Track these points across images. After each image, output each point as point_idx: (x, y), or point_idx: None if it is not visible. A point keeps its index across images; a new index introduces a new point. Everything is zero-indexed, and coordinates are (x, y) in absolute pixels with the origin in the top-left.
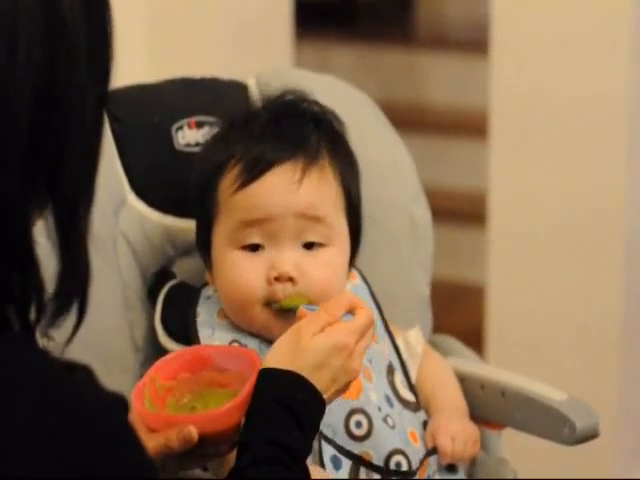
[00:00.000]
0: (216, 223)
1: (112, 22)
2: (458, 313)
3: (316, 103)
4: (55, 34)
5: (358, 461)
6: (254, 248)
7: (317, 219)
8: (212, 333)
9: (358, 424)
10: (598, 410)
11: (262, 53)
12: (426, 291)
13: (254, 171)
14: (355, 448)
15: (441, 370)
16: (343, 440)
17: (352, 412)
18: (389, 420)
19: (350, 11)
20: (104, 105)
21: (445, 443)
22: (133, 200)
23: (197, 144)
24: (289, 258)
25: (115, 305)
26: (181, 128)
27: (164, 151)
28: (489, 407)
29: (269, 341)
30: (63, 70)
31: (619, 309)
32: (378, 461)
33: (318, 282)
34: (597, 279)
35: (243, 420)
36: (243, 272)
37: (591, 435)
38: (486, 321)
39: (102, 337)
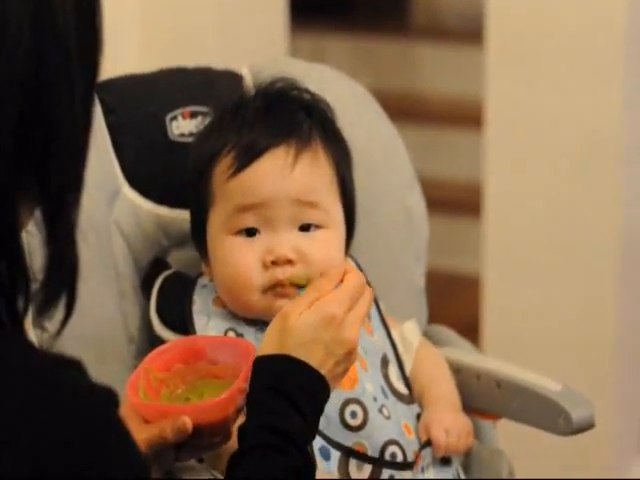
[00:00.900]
0: (211, 211)
1: (102, 14)
2: (454, 304)
3: (307, 91)
4: (44, 24)
5: (347, 453)
6: (250, 233)
7: (312, 204)
8: (207, 321)
9: (353, 414)
10: (593, 401)
11: (257, 43)
12: (421, 281)
13: (247, 157)
14: (350, 438)
15: (436, 363)
16: (338, 430)
17: (347, 402)
18: (384, 411)
19: (346, 1)
20: (93, 97)
21: (439, 435)
22: (127, 190)
23: (191, 134)
24: (286, 241)
25: (109, 295)
26: (175, 118)
27: (158, 141)
28: (484, 397)
29: (265, 330)
30: (52, 60)
31: (615, 300)
32: (373, 452)
33: (318, 262)
34: (593, 270)
35: (237, 411)
36: (240, 257)
37: (587, 426)
38: (482, 312)
39: (96, 327)
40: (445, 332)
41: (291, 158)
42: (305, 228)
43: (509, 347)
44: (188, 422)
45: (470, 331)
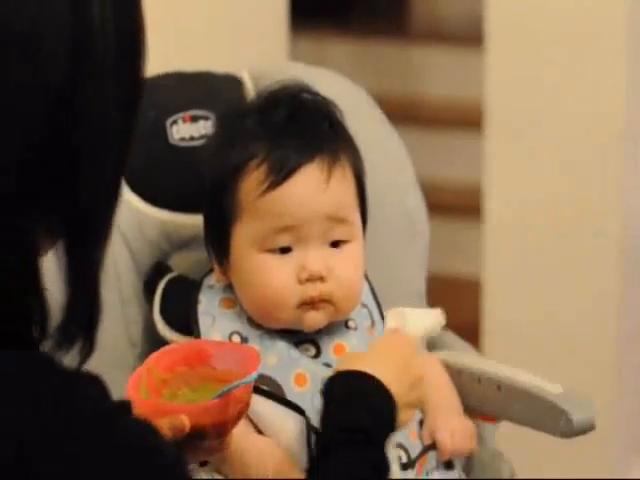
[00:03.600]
0: (237, 225)
1: (145, 38)
2: (454, 307)
3: (319, 94)
4: (84, 54)
5: None
6: (284, 251)
7: (342, 220)
8: (213, 322)
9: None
10: (594, 402)
11: (257, 46)
12: (422, 286)
13: (281, 173)
14: None
15: (435, 372)
16: None
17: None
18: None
19: (345, 4)
20: (130, 133)
21: (445, 439)
22: (128, 195)
23: (192, 138)
24: (319, 258)
25: (111, 300)
26: (175, 122)
27: (159, 145)
28: (485, 400)
29: (270, 334)
30: (88, 93)
31: (616, 302)
32: None
33: (346, 278)
34: (594, 273)
35: (237, 416)
36: (273, 275)
37: (588, 428)
38: (482, 315)
39: (98, 332)
40: (446, 335)
41: (325, 174)
42: (335, 244)
43: (510, 350)
44: (186, 420)
45: (470, 334)
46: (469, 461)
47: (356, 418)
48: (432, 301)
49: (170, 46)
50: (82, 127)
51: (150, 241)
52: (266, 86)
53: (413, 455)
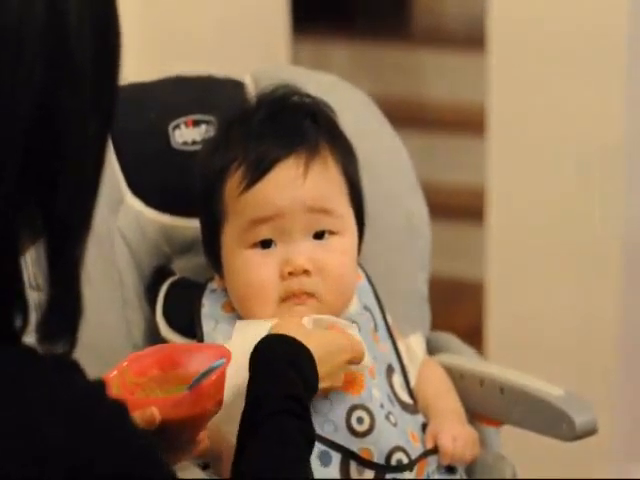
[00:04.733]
0: (224, 225)
1: (121, 51)
2: (457, 310)
3: (309, 96)
4: (60, 58)
5: (348, 455)
6: (266, 245)
7: (325, 211)
8: (215, 325)
9: (360, 420)
10: (596, 405)
11: (259, 50)
12: (424, 288)
13: (258, 171)
14: (355, 444)
15: (440, 378)
16: (344, 436)
17: (354, 408)
18: (391, 417)
19: (347, 7)
20: (107, 135)
21: (447, 443)
22: (130, 199)
23: (194, 142)
24: (302, 251)
25: (113, 303)
26: (178, 127)
27: (161, 150)
28: (488, 403)
29: None
30: (65, 95)
31: (618, 305)
32: (379, 458)
33: (333, 270)
34: (597, 275)
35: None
36: (256, 270)
37: (590, 431)
38: (485, 318)
39: (100, 335)
40: (448, 338)
41: (302, 168)
42: (319, 235)
43: (513, 353)
44: (156, 412)
45: (474, 337)
46: (472, 465)
47: (290, 386)
48: (435, 304)
49: (172, 50)
50: (61, 127)
51: (152, 245)
52: (264, 88)
53: (413, 456)
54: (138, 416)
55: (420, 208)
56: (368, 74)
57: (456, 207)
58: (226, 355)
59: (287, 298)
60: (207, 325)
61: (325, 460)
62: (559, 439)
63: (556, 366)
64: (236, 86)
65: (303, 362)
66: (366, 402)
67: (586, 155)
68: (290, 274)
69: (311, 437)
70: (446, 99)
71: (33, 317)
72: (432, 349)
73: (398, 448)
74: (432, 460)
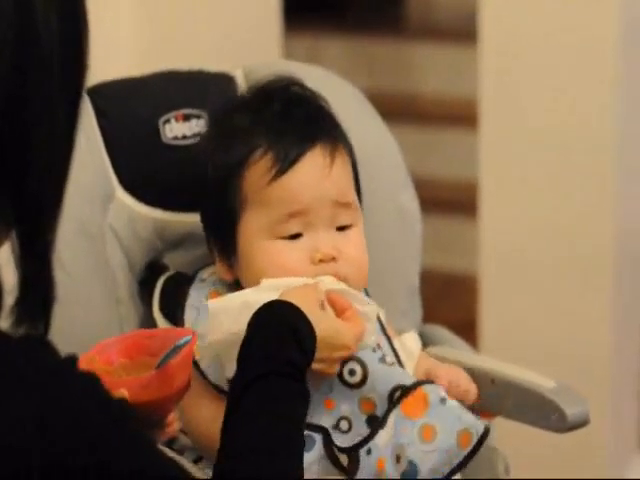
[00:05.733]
0: (243, 217)
1: (88, 33)
2: (450, 303)
3: (307, 88)
4: (27, 40)
5: (329, 439)
6: (295, 237)
7: (347, 205)
8: (197, 315)
9: (352, 372)
10: (590, 399)
11: (251, 45)
12: (416, 281)
13: (287, 160)
14: (354, 396)
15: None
16: (339, 390)
17: (344, 361)
18: (387, 359)
19: (341, 2)
20: (76, 120)
21: (441, 369)
22: (121, 194)
23: (184, 137)
24: (329, 241)
25: (104, 299)
26: (168, 121)
27: (151, 144)
28: (480, 396)
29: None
30: (33, 78)
31: (611, 299)
32: (381, 402)
33: (355, 260)
34: (589, 268)
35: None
36: (288, 258)
37: (581, 422)
38: (478, 311)
39: (92, 331)
40: (440, 331)
41: (328, 159)
42: (341, 228)
43: (506, 346)
44: (125, 393)
45: (467, 330)
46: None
47: (287, 351)
48: (428, 298)
49: (163, 45)
50: (29, 111)
51: (143, 240)
52: (256, 81)
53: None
54: None
55: (412, 202)
56: (361, 68)
57: (449, 201)
58: (189, 331)
59: None
60: (189, 315)
61: (308, 445)
62: (550, 430)
63: (549, 360)
64: (227, 80)
65: (304, 333)
66: (357, 353)
67: (578, 149)
68: (320, 261)
69: (307, 399)
70: (439, 93)
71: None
72: (424, 342)
73: (399, 387)
74: (431, 389)
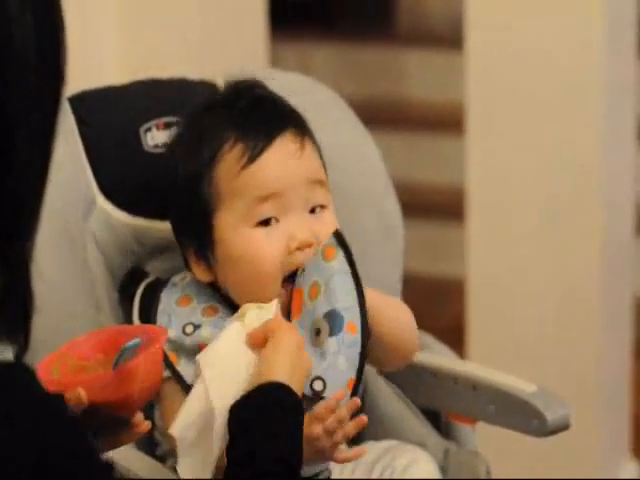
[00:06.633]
0: (219, 209)
1: (64, 32)
2: (438, 309)
3: (271, 91)
4: (1, 44)
5: None
6: (268, 222)
7: (321, 182)
8: (169, 320)
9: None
10: (580, 403)
11: (237, 54)
12: (398, 285)
13: (257, 147)
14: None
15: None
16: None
17: None
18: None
19: (330, 9)
20: (53, 129)
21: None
22: (102, 202)
23: (165, 145)
24: (305, 226)
25: (85, 307)
26: (149, 129)
27: (133, 153)
28: (462, 401)
29: (224, 319)
30: (8, 82)
31: (599, 303)
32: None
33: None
34: (577, 274)
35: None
36: (262, 247)
37: (562, 426)
38: (466, 316)
39: (72, 339)
40: (422, 337)
41: (299, 144)
42: (313, 210)
43: (494, 351)
44: (82, 393)
45: (455, 336)
46: (446, 460)
47: (283, 449)
48: (416, 303)
49: (147, 53)
50: (6, 114)
51: (124, 248)
52: (225, 84)
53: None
54: (67, 397)
55: (393, 208)
56: (351, 75)
57: (437, 206)
58: (158, 334)
59: (293, 271)
60: (161, 321)
61: None
62: (532, 435)
63: (538, 363)
64: (209, 88)
65: (293, 428)
66: None
67: (566, 153)
68: (297, 249)
69: None
70: (429, 99)
71: None
72: None
73: (317, 377)
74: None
